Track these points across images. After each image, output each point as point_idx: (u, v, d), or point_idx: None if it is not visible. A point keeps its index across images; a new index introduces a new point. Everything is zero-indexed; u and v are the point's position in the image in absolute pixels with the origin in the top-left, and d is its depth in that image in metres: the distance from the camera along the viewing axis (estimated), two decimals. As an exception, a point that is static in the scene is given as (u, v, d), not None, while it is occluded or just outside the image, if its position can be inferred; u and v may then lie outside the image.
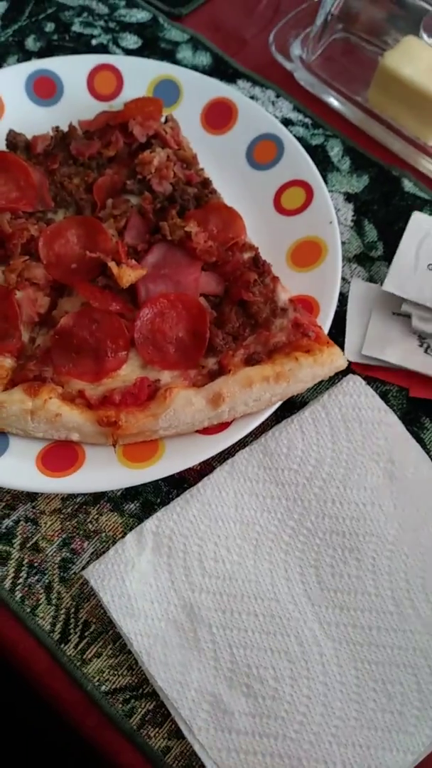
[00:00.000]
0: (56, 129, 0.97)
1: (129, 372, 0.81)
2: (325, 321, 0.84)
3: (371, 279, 0.94)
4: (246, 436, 0.79)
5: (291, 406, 0.83)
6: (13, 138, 0.96)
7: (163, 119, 0.98)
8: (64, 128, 0.98)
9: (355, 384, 0.83)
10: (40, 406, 0.77)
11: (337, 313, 0.86)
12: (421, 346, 0.87)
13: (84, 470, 0.77)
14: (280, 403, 0.80)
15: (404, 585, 0.73)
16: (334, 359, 0.79)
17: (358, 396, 0.83)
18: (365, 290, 0.91)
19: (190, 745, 0.67)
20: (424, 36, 1.02)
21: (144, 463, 0.77)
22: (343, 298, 0.92)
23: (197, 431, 0.79)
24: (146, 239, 0.88)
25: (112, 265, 0.83)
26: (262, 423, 0.80)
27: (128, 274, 0.83)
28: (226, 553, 0.75)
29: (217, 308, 0.85)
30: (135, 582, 0.72)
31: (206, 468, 0.81)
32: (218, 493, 0.77)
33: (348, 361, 0.82)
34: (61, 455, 0.78)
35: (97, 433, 0.77)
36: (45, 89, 1.03)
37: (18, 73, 1.03)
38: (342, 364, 0.80)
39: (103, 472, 0.77)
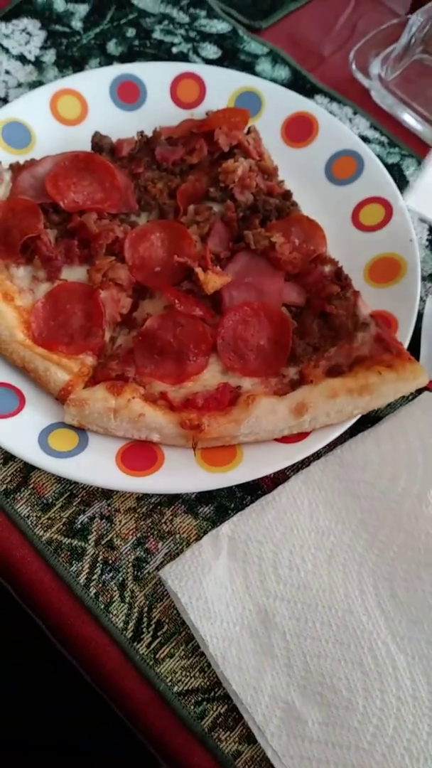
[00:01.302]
0: (141, 134, 0.99)
1: (209, 377, 0.82)
2: (405, 338, 0.85)
3: (445, 298, 0.95)
4: (322, 448, 0.80)
5: (364, 421, 0.83)
6: (99, 140, 0.97)
7: (245, 130, 0.99)
8: (147, 133, 0.99)
9: (430, 401, 0.84)
10: (124, 405, 0.78)
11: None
12: None
13: (163, 471, 0.78)
14: (359, 416, 0.80)
15: None
16: (416, 375, 0.80)
17: None
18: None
19: (261, 750, 0.68)
20: None
21: (222, 467, 0.78)
22: (419, 317, 0.92)
23: (276, 439, 0.80)
24: (229, 247, 0.90)
25: (198, 270, 0.84)
26: (339, 436, 0.80)
27: (214, 281, 0.84)
28: (301, 562, 0.75)
29: (298, 319, 0.86)
30: (212, 585, 0.73)
31: (280, 476, 0.81)
32: (293, 501, 0.78)
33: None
34: (140, 455, 0.79)
35: (177, 435, 0.78)
36: (129, 94, 1.05)
37: (103, 76, 1.04)
38: (424, 381, 0.80)
39: (181, 474, 0.78)
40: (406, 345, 0.84)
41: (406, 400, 0.84)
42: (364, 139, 1.07)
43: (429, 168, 0.92)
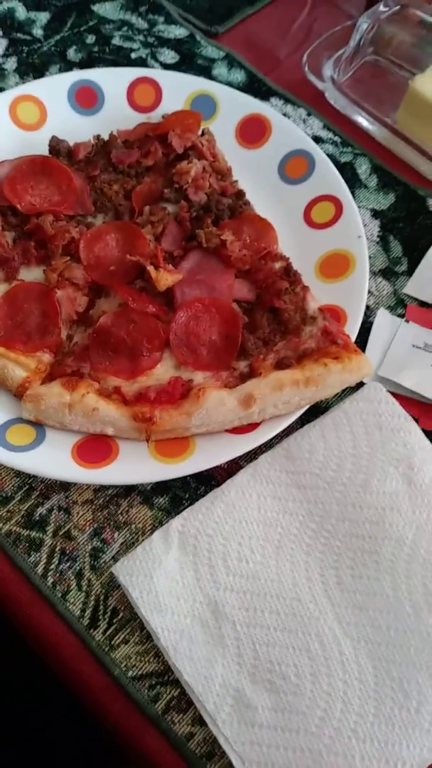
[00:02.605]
0: (97, 137, 1.01)
1: (163, 372, 0.85)
2: (352, 330, 0.88)
3: (395, 293, 0.98)
4: (272, 438, 0.82)
5: (313, 411, 0.86)
6: (56, 144, 1.00)
7: (199, 132, 1.02)
8: (104, 137, 1.02)
9: (375, 391, 0.86)
10: (78, 400, 0.80)
11: (361, 325, 0.89)
12: None
13: (117, 463, 0.80)
14: (307, 406, 0.83)
15: (421, 588, 0.75)
16: (361, 366, 0.82)
17: (379, 403, 0.85)
18: (390, 322, 0.94)
19: (210, 727, 0.70)
20: (454, 62, 1.06)
21: (175, 458, 0.80)
22: (368, 311, 0.95)
23: (227, 430, 0.82)
24: (182, 246, 0.92)
25: (150, 268, 0.86)
26: (289, 426, 0.83)
27: (165, 278, 0.86)
28: (250, 553, 0.77)
29: (249, 314, 0.88)
30: (162, 579, 0.75)
31: (234, 467, 0.84)
32: (242, 494, 0.80)
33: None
34: (95, 448, 0.81)
35: (131, 428, 0.80)
36: (86, 99, 1.07)
37: (61, 82, 1.07)
38: (369, 372, 0.83)
39: (135, 466, 0.80)
40: (353, 338, 0.87)
41: (352, 390, 0.87)
42: (318, 139, 1.10)
43: (425, 263, 0.96)
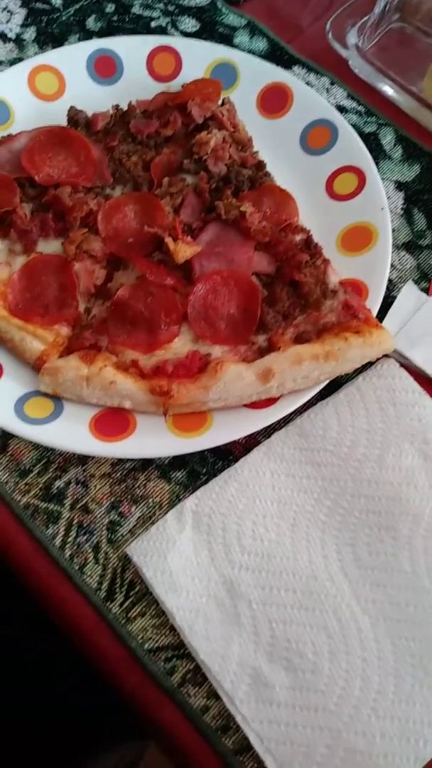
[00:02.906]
0: (116, 107, 1.00)
1: (181, 345, 0.84)
2: (374, 305, 0.86)
3: (419, 267, 0.96)
4: (291, 413, 0.81)
5: (331, 387, 0.84)
6: (74, 114, 0.98)
7: (219, 102, 1.00)
8: (123, 107, 1.00)
9: (389, 367, 0.85)
10: (96, 373, 0.80)
11: (383, 300, 0.87)
12: None
13: (135, 437, 0.80)
14: (327, 382, 0.82)
15: (440, 563, 0.74)
16: (382, 341, 0.81)
17: (393, 378, 0.84)
18: (416, 296, 0.92)
19: (227, 706, 0.70)
20: None
21: (193, 433, 0.80)
22: (390, 285, 0.93)
23: (245, 405, 0.81)
24: (201, 218, 0.91)
25: (168, 240, 0.85)
26: (307, 401, 0.81)
27: (184, 250, 0.85)
28: (264, 532, 0.77)
29: (268, 287, 0.87)
30: (176, 559, 0.75)
31: (251, 442, 0.83)
32: (255, 473, 0.79)
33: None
34: (113, 421, 0.81)
35: (148, 402, 0.80)
36: (105, 68, 1.06)
37: (80, 51, 1.05)
38: (390, 347, 0.82)
39: (153, 440, 0.80)
40: (375, 312, 0.85)
41: (365, 367, 0.85)
42: (342, 109, 1.08)
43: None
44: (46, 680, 1.15)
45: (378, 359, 0.85)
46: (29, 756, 1.09)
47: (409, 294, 0.92)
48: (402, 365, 0.86)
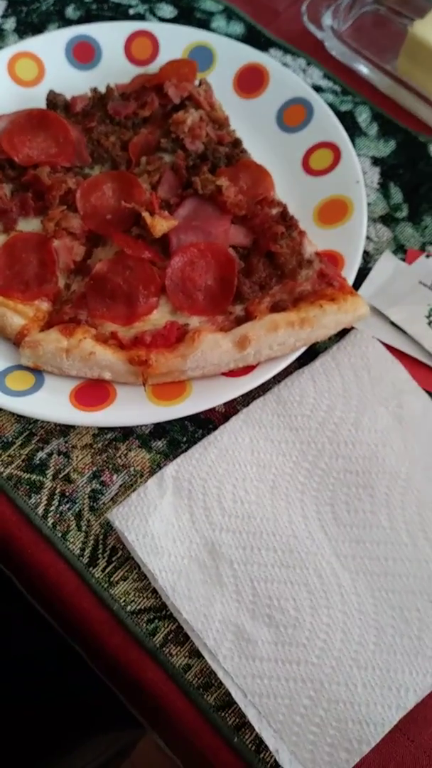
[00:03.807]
0: (94, 90, 1.01)
1: (159, 317, 0.85)
2: (350, 274, 0.87)
3: (395, 239, 0.97)
4: (268, 381, 0.82)
5: (303, 358, 0.85)
6: (53, 98, 1.00)
7: (197, 83, 1.02)
8: (101, 90, 1.02)
9: (362, 336, 0.86)
10: (75, 345, 0.81)
11: (359, 271, 0.89)
12: (428, 317, 0.89)
13: (115, 406, 0.81)
14: (303, 349, 0.83)
15: (417, 518, 0.76)
16: (357, 307, 0.82)
17: (366, 347, 0.86)
18: (394, 264, 0.94)
19: (209, 663, 0.71)
20: (453, 7, 1.04)
21: (172, 401, 0.81)
22: (367, 257, 0.95)
23: (223, 374, 0.82)
24: (178, 194, 0.92)
25: (145, 215, 0.87)
26: (285, 369, 0.83)
27: (161, 224, 0.86)
28: (244, 494, 0.78)
29: (245, 259, 0.88)
30: (158, 522, 0.76)
31: (230, 410, 0.85)
32: (234, 439, 0.81)
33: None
34: (93, 392, 0.82)
35: (128, 372, 0.81)
36: (84, 54, 1.07)
37: (58, 38, 1.07)
38: (365, 313, 0.83)
39: (133, 409, 0.81)
40: (351, 282, 0.87)
41: (340, 337, 0.87)
42: (318, 88, 1.09)
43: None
44: (32, 665, 1.16)
45: (351, 329, 0.86)
46: (17, 739, 1.09)
47: (386, 262, 0.93)
48: (374, 336, 0.87)
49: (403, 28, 1.11)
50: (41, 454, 0.83)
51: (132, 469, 0.82)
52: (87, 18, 1.17)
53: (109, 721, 1.17)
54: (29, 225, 0.92)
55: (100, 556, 0.77)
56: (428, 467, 0.79)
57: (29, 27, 1.17)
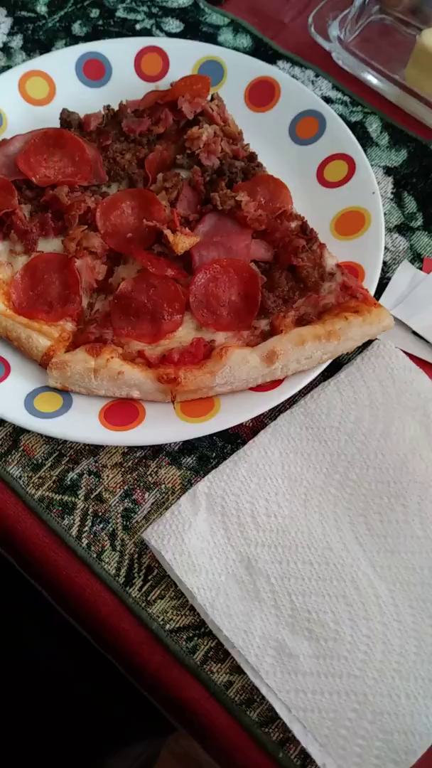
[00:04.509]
0: (107, 108, 1.02)
1: (185, 334, 0.86)
2: (371, 285, 0.88)
3: (412, 248, 0.98)
4: (295, 394, 0.83)
5: (333, 367, 0.86)
6: (67, 116, 1.00)
7: (208, 98, 1.02)
8: (114, 108, 1.02)
9: (386, 347, 0.87)
10: (103, 365, 0.81)
11: (379, 281, 0.90)
12: None
13: (144, 425, 0.81)
14: (330, 361, 0.84)
15: (451, 526, 0.76)
16: (382, 318, 0.83)
17: (390, 357, 0.86)
18: (412, 273, 0.95)
19: (251, 679, 0.71)
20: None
21: (201, 418, 0.81)
22: (385, 267, 0.96)
23: (251, 389, 0.83)
24: (197, 210, 0.93)
25: (167, 233, 0.87)
26: (310, 382, 0.83)
27: (183, 242, 0.87)
28: (277, 508, 0.78)
29: (267, 273, 0.89)
30: (193, 540, 0.76)
31: (258, 425, 0.85)
32: (264, 453, 0.81)
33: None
34: (122, 411, 0.82)
35: (156, 390, 0.81)
36: (94, 71, 1.08)
37: (68, 55, 1.07)
38: (390, 324, 0.84)
39: (162, 427, 0.81)
40: (372, 293, 0.87)
41: (362, 348, 0.87)
42: (328, 99, 1.10)
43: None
44: (61, 680, 1.16)
45: (374, 340, 0.87)
46: (44, 755, 1.09)
47: (405, 272, 0.94)
48: (396, 347, 0.88)
49: (409, 38, 1.12)
50: (72, 475, 0.83)
51: (163, 486, 0.82)
52: (94, 34, 1.18)
53: (133, 732, 1.17)
54: (49, 245, 0.92)
55: (135, 575, 0.78)
56: (459, 474, 0.79)
57: (36, 44, 1.17)
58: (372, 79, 1.11)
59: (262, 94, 1.05)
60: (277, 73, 1.06)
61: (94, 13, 1.20)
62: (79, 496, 0.82)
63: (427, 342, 0.90)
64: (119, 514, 0.81)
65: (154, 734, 1.19)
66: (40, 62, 1.07)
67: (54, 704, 1.14)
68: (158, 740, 1.24)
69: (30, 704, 1.13)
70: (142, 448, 0.84)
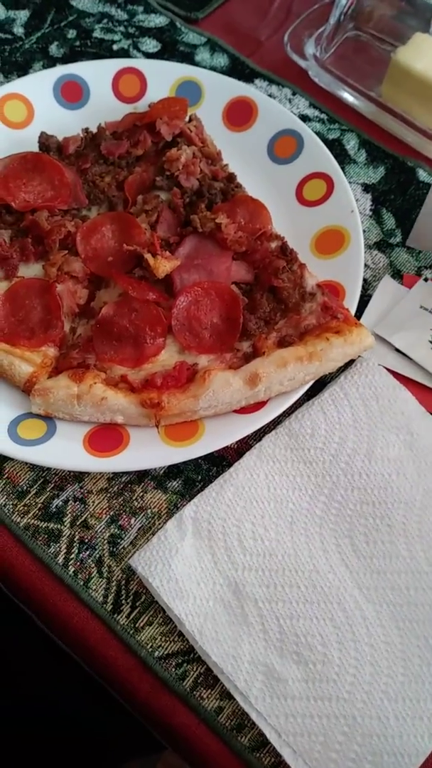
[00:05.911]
0: (86, 130, 1.02)
1: (167, 357, 0.86)
2: (351, 304, 0.89)
3: (392, 264, 0.99)
4: (280, 415, 0.83)
5: (312, 390, 0.86)
6: (45, 140, 1.00)
7: (186, 119, 1.02)
8: (92, 130, 1.02)
9: (369, 365, 0.88)
10: (86, 391, 0.81)
11: (360, 298, 0.90)
12: (431, 341, 0.91)
13: (129, 450, 0.81)
14: (312, 382, 0.84)
15: (436, 546, 0.77)
16: (362, 338, 0.83)
17: (373, 375, 0.87)
18: (394, 288, 0.96)
19: (241, 705, 0.71)
20: (434, 32, 1.06)
21: (185, 441, 0.81)
22: (365, 284, 0.96)
23: (234, 411, 0.83)
24: (177, 232, 0.93)
25: (148, 256, 0.87)
26: (293, 403, 0.84)
27: (164, 265, 0.87)
28: (264, 532, 0.79)
29: (249, 295, 0.89)
30: (180, 566, 0.76)
31: (243, 446, 0.85)
32: (249, 476, 0.81)
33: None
34: (106, 437, 0.82)
35: (140, 415, 0.81)
36: (72, 93, 1.08)
37: (46, 78, 1.07)
38: (371, 344, 0.84)
39: (147, 452, 0.81)
40: (353, 311, 0.88)
41: (345, 367, 0.88)
42: (305, 117, 1.11)
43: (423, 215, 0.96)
44: (52, 704, 1.16)
45: (357, 358, 0.87)
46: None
47: (386, 287, 0.95)
48: (379, 364, 0.88)
49: (385, 54, 1.13)
50: (57, 502, 0.83)
51: (149, 511, 0.82)
52: (71, 55, 1.18)
53: (128, 751, 1.17)
54: (30, 270, 0.92)
55: (123, 602, 0.78)
56: (443, 493, 0.80)
57: (13, 66, 1.17)
58: (348, 96, 1.12)
59: (239, 114, 1.06)
60: (255, 92, 1.06)
61: (71, 33, 1.20)
62: (65, 523, 0.82)
63: (410, 359, 0.90)
64: (105, 541, 0.81)
65: (149, 750, 1.19)
66: (18, 85, 1.07)
67: (49, 724, 1.14)
68: (153, 757, 1.24)
69: (24, 725, 1.12)
70: (127, 472, 0.84)
